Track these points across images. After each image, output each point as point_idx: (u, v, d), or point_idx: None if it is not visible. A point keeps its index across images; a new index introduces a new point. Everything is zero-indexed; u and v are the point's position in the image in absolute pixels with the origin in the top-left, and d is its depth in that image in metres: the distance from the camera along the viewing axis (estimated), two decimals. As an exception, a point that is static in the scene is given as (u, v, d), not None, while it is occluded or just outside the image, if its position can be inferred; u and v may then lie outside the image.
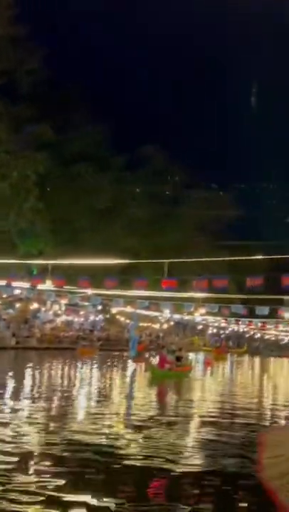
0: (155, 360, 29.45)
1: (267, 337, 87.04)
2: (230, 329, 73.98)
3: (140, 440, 10.44)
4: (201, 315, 40.43)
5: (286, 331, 60.51)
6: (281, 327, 49.31)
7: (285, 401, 19.39)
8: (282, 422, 14.33)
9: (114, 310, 49.66)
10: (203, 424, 13.08)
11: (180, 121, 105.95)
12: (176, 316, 49.08)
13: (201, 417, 14.27)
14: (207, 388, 23.85)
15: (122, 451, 9.21)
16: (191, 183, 56.82)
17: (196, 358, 47.35)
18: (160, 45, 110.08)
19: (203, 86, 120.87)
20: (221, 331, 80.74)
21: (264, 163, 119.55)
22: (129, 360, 37.92)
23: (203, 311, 33.06)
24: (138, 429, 11.50)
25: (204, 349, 61.47)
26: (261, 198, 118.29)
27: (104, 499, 6.41)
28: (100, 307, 50.47)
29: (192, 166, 58.16)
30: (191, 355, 50.42)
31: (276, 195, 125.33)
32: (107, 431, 11.10)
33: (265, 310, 26.31)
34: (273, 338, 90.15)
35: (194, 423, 13.48)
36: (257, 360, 63.92)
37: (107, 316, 59.54)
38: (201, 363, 41.74)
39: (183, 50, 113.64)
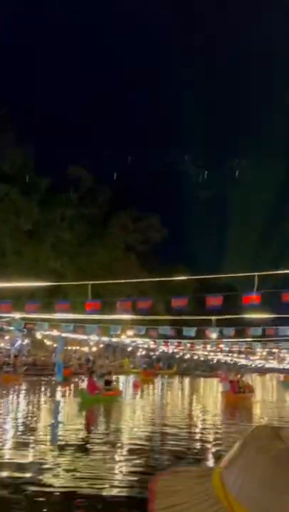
0: (84, 385, 28.81)
1: (196, 357, 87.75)
2: (160, 350, 73.93)
3: (63, 467, 10.15)
4: (129, 337, 39.99)
5: (214, 351, 61.05)
6: (209, 347, 49.67)
7: (213, 425, 19.18)
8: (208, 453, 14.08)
9: (38, 334, 48.33)
10: (125, 450, 12.72)
11: (109, 142, 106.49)
12: (105, 339, 48.38)
13: (123, 443, 13.91)
14: (134, 413, 23.40)
15: (43, 479, 8.95)
16: (119, 204, 56.77)
17: (126, 381, 46.77)
18: (87, 64, 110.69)
19: (132, 107, 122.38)
20: (151, 353, 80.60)
21: (193, 185, 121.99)
22: (58, 386, 36.91)
23: (131, 333, 32.64)
24: (62, 455, 11.17)
25: (133, 371, 60.95)
26: (189, 219, 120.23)
27: None
28: (25, 331, 49.06)
29: (120, 187, 58.20)
30: (122, 378, 49.87)
31: (203, 217, 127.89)
32: (31, 458, 10.72)
33: (192, 331, 26.34)
34: (202, 359, 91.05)
35: (117, 450, 13.03)
36: (187, 380, 64.06)
37: (33, 340, 57.99)
38: (131, 386, 41.20)
39: (112, 66, 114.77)
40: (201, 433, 16.85)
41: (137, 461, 11.26)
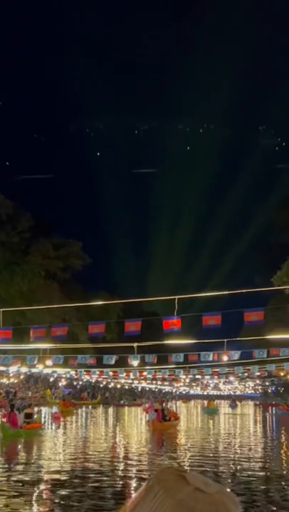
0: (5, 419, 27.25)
1: (119, 386, 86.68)
2: (84, 380, 72.22)
3: None
4: (48, 367, 38.37)
5: (138, 379, 60.21)
6: (131, 375, 48.72)
7: (138, 459, 18.33)
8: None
9: None
10: (38, 488, 11.87)
11: (28, 168, 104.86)
12: (23, 369, 46.35)
13: (38, 480, 13.00)
14: (55, 447, 22.16)
15: None
16: (41, 232, 55.45)
17: (48, 413, 44.89)
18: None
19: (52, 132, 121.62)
20: (75, 382, 78.71)
21: (114, 211, 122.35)
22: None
23: (50, 362, 31.22)
24: None
25: (56, 402, 58.82)
26: (112, 246, 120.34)
27: None
28: None
29: (41, 213, 57.08)
30: (44, 410, 47.88)
31: (126, 243, 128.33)
32: None
33: (112, 359, 25.41)
34: (127, 387, 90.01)
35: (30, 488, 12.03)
36: (111, 410, 62.76)
37: None
38: (52, 418, 39.50)
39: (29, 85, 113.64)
40: (125, 468, 16.00)
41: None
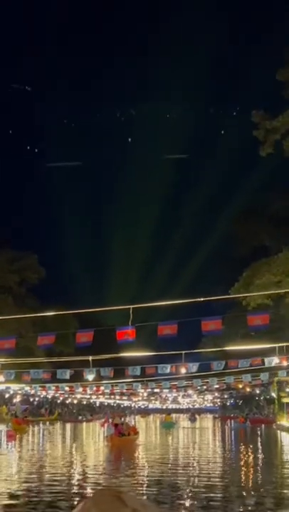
0: None
1: (75, 401, 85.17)
2: (41, 395, 70.55)
3: None
4: (1, 382, 36.99)
5: (96, 394, 59.06)
6: (88, 390, 47.63)
7: (94, 480, 17.52)
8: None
9: None
10: None
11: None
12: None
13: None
14: (6, 467, 21.06)
15: None
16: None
17: (2, 431, 43.21)
18: None
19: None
20: (32, 398, 76.93)
21: (70, 223, 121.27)
22: None
23: (1, 378, 29.99)
24: None
25: (8, 419, 56.88)
26: (68, 259, 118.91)
27: None
28: None
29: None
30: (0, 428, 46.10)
31: (83, 255, 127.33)
32: None
33: (66, 373, 24.51)
34: (85, 402, 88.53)
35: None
36: (69, 426, 61.35)
37: None
38: (5, 436, 38.04)
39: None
40: (79, 489, 15.20)
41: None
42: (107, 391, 48.76)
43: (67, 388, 44.45)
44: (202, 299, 13.32)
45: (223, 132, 67.34)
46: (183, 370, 23.40)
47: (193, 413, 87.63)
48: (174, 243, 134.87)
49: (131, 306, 13.41)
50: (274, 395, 55.39)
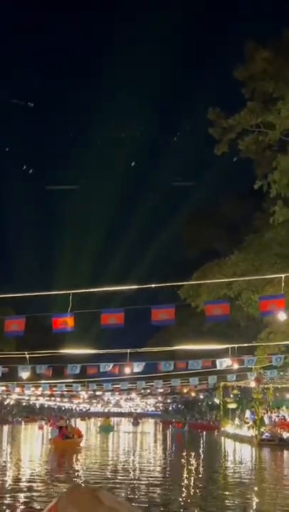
0: None
1: (12, 402, 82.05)
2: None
3: None
4: None
5: (34, 394, 56.36)
6: (26, 390, 45.03)
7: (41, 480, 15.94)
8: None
9: None
10: None
11: None
12: None
13: None
14: None
15: None
16: None
17: None
18: None
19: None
20: None
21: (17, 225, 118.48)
22: None
23: None
24: None
25: None
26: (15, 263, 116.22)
27: None
28: None
29: None
30: None
31: (30, 256, 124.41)
32: None
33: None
34: (24, 404, 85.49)
35: None
36: (6, 428, 58.90)
37: None
38: None
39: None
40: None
41: None
42: (46, 392, 46.27)
43: (3, 388, 41.68)
44: (154, 285, 11.70)
45: (178, 134, 66.62)
46: (127, 370, 21.67)
47: (136, 417, 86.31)
48: (124, 245, 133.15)
49: (70, 292, 11.61)
50: (217, 400, 54.35)
